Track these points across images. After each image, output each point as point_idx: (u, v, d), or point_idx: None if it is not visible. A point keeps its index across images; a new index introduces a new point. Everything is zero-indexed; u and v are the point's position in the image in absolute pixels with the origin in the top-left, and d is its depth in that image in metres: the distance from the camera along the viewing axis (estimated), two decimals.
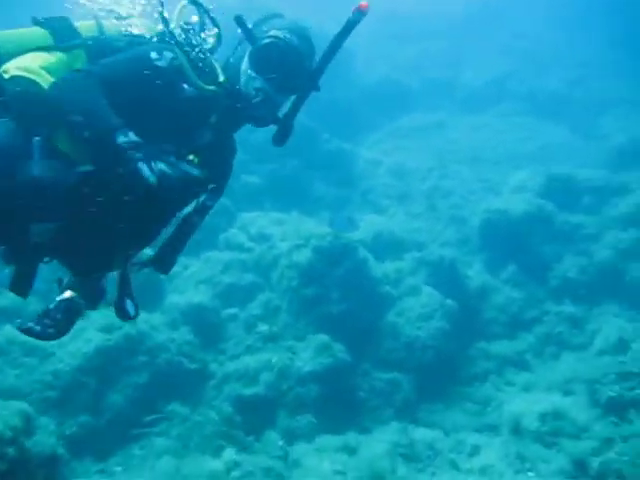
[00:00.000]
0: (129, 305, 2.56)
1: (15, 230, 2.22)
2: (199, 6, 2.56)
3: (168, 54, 2.33)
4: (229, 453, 6.70)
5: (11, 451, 5.53)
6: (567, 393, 7.71)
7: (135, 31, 2.55)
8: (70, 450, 6.65)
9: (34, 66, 2.26)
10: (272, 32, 2.45)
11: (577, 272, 10.44)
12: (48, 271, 2.59)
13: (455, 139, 16.60)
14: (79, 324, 2.66)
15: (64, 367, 7.39)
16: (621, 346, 8.44)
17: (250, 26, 2.51)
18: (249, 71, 2.45)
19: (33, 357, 7.58)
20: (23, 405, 6.19)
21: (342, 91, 16.54)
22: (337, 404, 7.77)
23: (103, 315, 8.37)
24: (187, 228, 2.64)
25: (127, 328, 8.00)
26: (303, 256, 8.83)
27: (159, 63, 2.29)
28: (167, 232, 2.64)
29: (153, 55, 2.30)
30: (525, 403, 7.56)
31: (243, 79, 2.46)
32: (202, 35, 2.52)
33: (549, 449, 6.85)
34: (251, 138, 11.22)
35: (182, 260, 10.26)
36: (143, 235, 2.50)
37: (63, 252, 2.40)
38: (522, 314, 10.00)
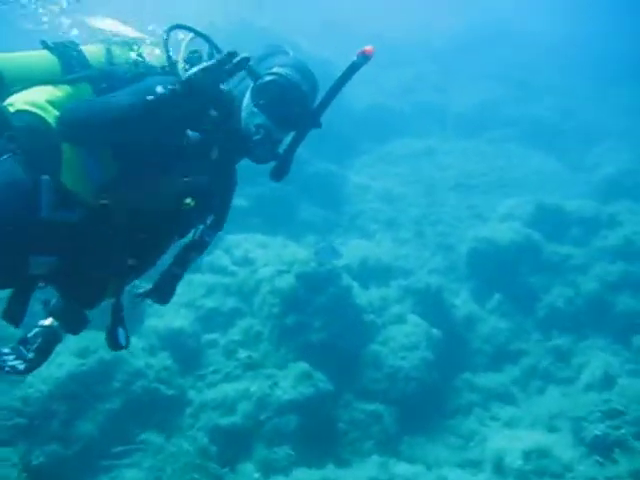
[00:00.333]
0: (121, 334, 2.56)
1: (15, 262, 2.21)
2: (206, 38, 2.54)
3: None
4: None
5: None
6: (552, 430, 7.57)
7: (145, 57, 2.54)
8: None
9: (40, 101, 2.26)
10: (275, 69, 2.45)
11: (564, 304, 10.34)
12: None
13: (444, 165, 16.55)
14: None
15: (34, 393, 7.13)
16: (607, 381, 8.32)
17: (251, 62, 2.46)
18: (251, 107, 2.43)
19: (2, 382, 7.32)
20: None
21: (331, 115, 16.44)
22: (316, 435, 7.55)
23: (79, 338, 8.18)
24: (185, 263, 2.66)
25: (102, 353, 7.78)
26: (285, 282, 8.66)
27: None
28: (164, 262, 2.64)
29: (159, 90, 2.23)
30: (509, 439, 7.40)
31: (244, 115, 2.45)
32: None
33: None
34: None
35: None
36: (139, 265, 2.50)
37: (59, 281, 2.41)
38: (508, 345, 9.86)
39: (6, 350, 2.39)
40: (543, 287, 10.79)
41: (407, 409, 8.19)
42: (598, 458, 6.72)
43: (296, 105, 2.44)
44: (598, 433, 6.94)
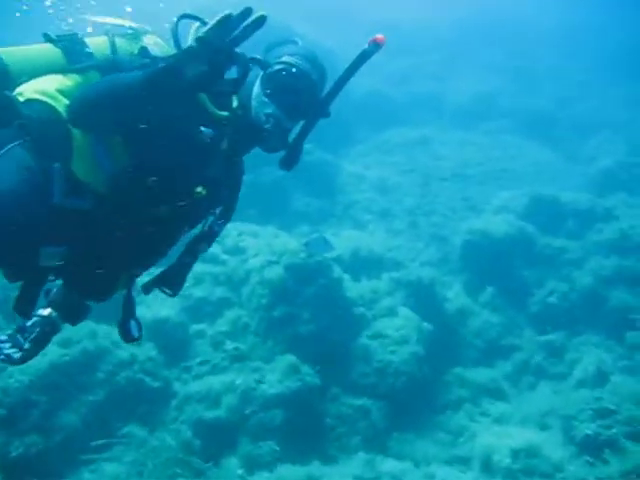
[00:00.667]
0: (133, 326, 2.59)
1: (25, 253, 2.19)
2: None
3: None
4: None
5: None
6: (542, 428, 7.47)
7: (150, 49, 2.49)
8: (14, 474, 6.25)
9: (50, 89, 2.25)
10: (284, 58, 2.43)
11: (558, 298, 10.21)
12: None
13: (440, 155, 16.36)
14: None
15: (14, 383, 6.96)
16: (599, 378, 8.21)
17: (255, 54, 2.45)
18: (260, 96, 2.41)
19: None
20: None
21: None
22: (302, 431, 7.41)
23: (63, 327, 8.01)
24: (195, 253, 2.64)
25: (85, 343, 7.63)
26: (274, 273, 8.49)
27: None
28: (174, 252, 2.64)
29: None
30: (498, 437, 7.28)
31: (254, 104, 2.42)
32: None
33: None
34: None
35: (153, 271, 9.85)
36: (150, 256, 2.50)
37: (69, 274, 2.41)
38: (500, 340, 9.74)
39: (3, 337, 2.40)
40: (537, 281, 10.66)
41: (396, 404, 8.05)
42: (588, 458, 6.61)
43: (305, 94, 2.43)
44: (589, 432, 6.82)
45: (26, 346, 2.41)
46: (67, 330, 7.46)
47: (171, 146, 2.25)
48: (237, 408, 7.41)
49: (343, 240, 11.20)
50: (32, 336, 2.43)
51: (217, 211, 2.63)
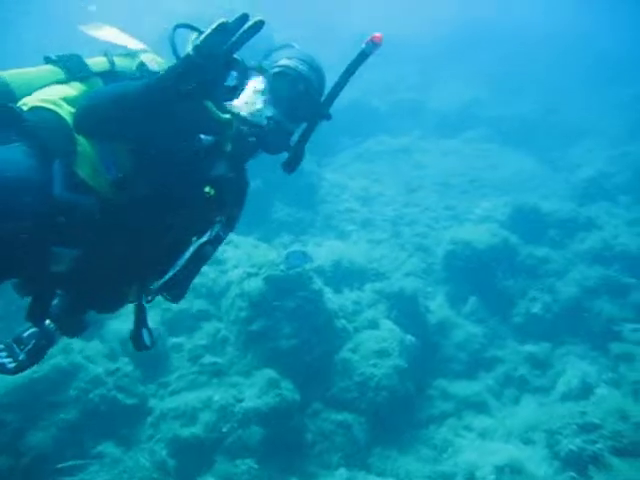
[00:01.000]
0: (145, 335, 2.63)
1: (33, 256, 2.16)
2: None
3: None
4: None
5: None
6: (526, 442, 7.29)
7: (149, 66, 2.55)
8: None
9: (54, 97, 2.28)
10: (282, 61, 2.49)
11: (541, 309, 10.10)
12: None
13: (423, 164, 16.28)
14: None
15: None
16: (584, 391, 8.11)
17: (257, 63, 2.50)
18: (260, 100, 2.43)
19: None
20: None
21: None
22: (282, 447, 7.22)
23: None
24: (200, 258, 2.60)
25: (59, 359, 7.39)
26: (253, 285, 8.29)
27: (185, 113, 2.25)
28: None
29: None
30: (482, 452, 7.12)
31: (254, 108, 2.43)
32: None
33: None
34: None
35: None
36: (160, 265, 2.50)
37: (79, 284, 2.39)
38: (483, 352, 9.60)
39: (0, 346, 2.43)
40: (520, 291, 10.56)
41: (378, 419, 7.87)
42: (573, 474, 6.46)
43: (305, 96, 2.47)
44: (573, 448, 6.68)
45: (21, 357, 2.41)
46: None
47: (173, 151, 2.28)
48: (214, 425, 7.20)
49: (325, 251, 11.05)
50: (27, 348, 2.44)
51: (223, 219, 2.65)
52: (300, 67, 2.48)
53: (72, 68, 2.44)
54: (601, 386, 8.15)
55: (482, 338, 9.75)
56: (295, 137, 2.58)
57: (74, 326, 2.63)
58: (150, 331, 2.68)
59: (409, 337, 8.85)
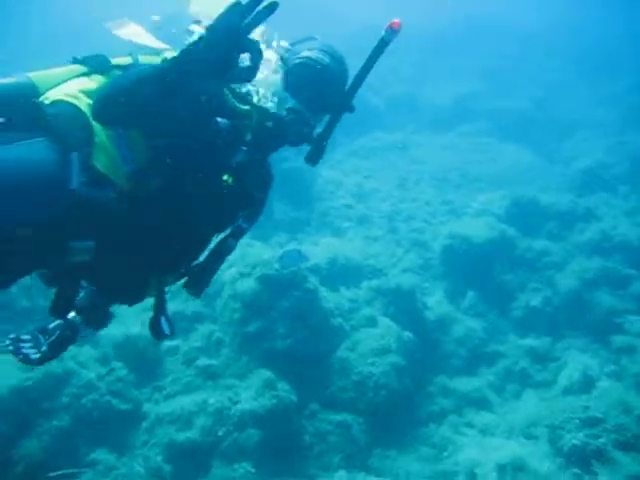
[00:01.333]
0: (164, 324, 2.58)
1: (52, 249, 2.15)
2: None
3: None
4: None
5: None
6: (528, 438, 7.16)
7: None
8: None
9: (73, 90, 2.29)
10: (304, 53, 2.50)
11: (541, 303, 9.96)
12: None
13: (418, 159, 16.14)
14: None
15: None
16: (586, 385, 7.96)
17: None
18: (281, 91, 2.44)
19: None
20: None
21: None
22: (279, 450, 7.08)
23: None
24: (223, 251, 2.62)
25: (50, 365, 7.25)
26: (247, 286, 8.15)
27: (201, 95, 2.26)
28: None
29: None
30: (483, 450, 6.98)
31: (275, 100, 2.44)
32: None
33: None
34: None
35: None
36: (180, 258, 2.49)
37: (101, 276, 2.38)
38: (484, 347, 9.45)
39: (25, 337, 2.45)
40: (519, 285, 10.43)
41: (377, 418, 7.73)
42: (577, 470, 6.32)
43: (326, 87, 2.48)
44: (576, 443, 6.55)
45: (44, 348, 2.41)
46: None
47: (190, 138, 2.25)
48: (210, 429, 7.07)
49: (321, 249, 10.91)
50: (51, 339, 2.43)
51: (246, 213, 2.62)
52: (321, 58, 2.47)
53: (97, 66, 2.44)
54: (603, 379, 8.01)
55: (482, 333, 9.61)
56: (318, 129, 2.56)
57: (99, 317, 2.61)
58: (169, 320, 2.64)
59: (407, 334, 8.72)
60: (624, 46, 23.81)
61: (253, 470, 6.73)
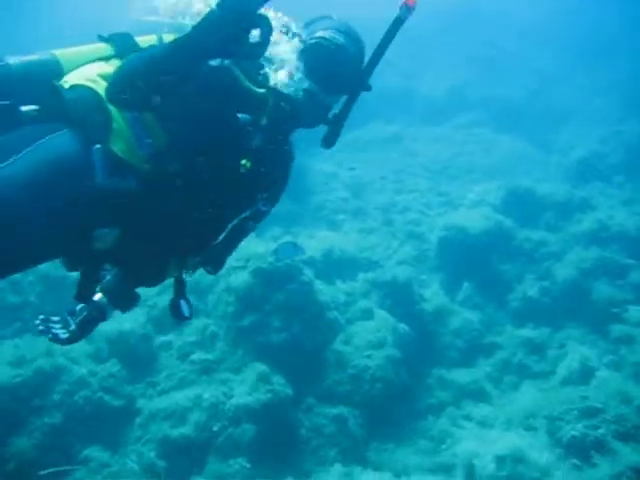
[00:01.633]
0: (184, 305, 2.63)
1: (78, 236, 2.21)
2: None
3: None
4: None
5: None
6: (527, 430, 7.06)
7: None
8: None
9: (92, 74, 2.30)
10: (319, 33, 2.45)
11: (538, 293, 9.88)
12: None
13: (413, 151, 16.04)
14: None
15: None
16: (584, 375, 7.87)
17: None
18: (297, 73, 2.41)
19: None
20: None
21: None
22: (275, 445, 6.98)
23: (14, 346, 7.53)
24: (241, 232, 2.64)
25: (40, 362, 7.15)
26: (241, 279, 8.04)
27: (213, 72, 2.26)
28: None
29: (212, 63, 2.25)
30: (482, 442, 6.87)
31: (291, 81, 2.41)
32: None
33: None
34: None
35: None
36: (200, 240, 2.50)
37: (124, 260, 2.40)
38: (481, 339, 9.37)
39: (55, 318, 2.44)
40: (516, 276, 10.35)
41: (374, 412, 7.64)
42: (576, 461, 6.23)
43: (342, 67, 2.44)
44: (575, 433, 6.46)
45: (72, 327, 2.41)
46: (20, 348, 7.00)
47: (206, 122, 2.25)
48: (205, 424, 6.97)
49: (316, 242, 10.81)
50: (79, 319, 2.43)
51: (265, 196, 2.60)
52: (336, 38, 2.43)
53: (121, 45, 2.45)
54: (602, 369, 7.93)
55: (479, 324, 9.51)
56: (335, 110, 2.53)
57: (126, 300, 2.58)
58: (189, 303, 2.67)
59: (403, 326, 8.63)
60: (619, 35, 23.69)
61: (248, 465, 6.64)
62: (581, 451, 6.32)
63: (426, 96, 19.75)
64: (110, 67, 2.34)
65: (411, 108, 19.18)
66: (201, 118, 2.25)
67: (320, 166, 14.37)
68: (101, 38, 2.51)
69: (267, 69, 2.43)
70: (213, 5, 2.05)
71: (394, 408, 7.83)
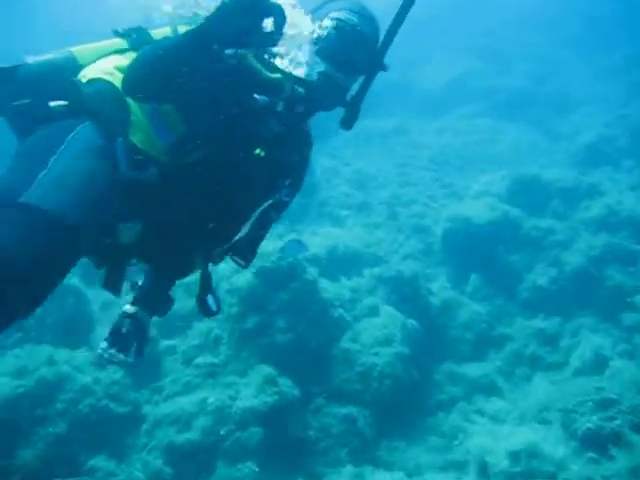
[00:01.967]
0: (211, 300, 2.66)
1: (103, 231, 2.21)
2: None
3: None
4: None
5: None
6: (541, 423, 6.91)
7: None
8: None
9: (108, 67, 2.31)
10: (332, 14, 2.43)
11: (548, 282, 9.69)
12: None
13: (417, 144, 15.84)
14: None
15: None
16: (598, 365, 7.73)
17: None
18: (312, 55, 2.36)
19: None
20: None
21: None
22: (284, 447, 6.85)
23: (15, 356, 7.43)
24: (265, 222, 2.62)
25: (43, 371, 7.04)
26: (243, 280, 7.89)
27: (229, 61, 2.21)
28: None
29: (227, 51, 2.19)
30: (495, 437, 6.74)
31: (306, 64, 2.36)
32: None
33: None
34: None
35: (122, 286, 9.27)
36: (222, 231, 2.50)
37: (149, 253, 2.44)
38: (491, 331, 9.19)
39: (105, 345, 2.51)
40: (525, 266, 10.15)
41: (384, 410, 7.49)
42: (592, 454, 6.07)
43: (357, 48, 2.41)
44: (591, 426, 6.29)
45: (134, 347, 2.53)
46: (22, 358, 6.88)
47: (222, 111, 2.25)
48: (211, 429, 6.83)
49: (320, 238, 10.67)
50: (132, 338, 2.53)
51: (286, 183, 2.59)
52: (350, 18, 2.41)
53: (136, 39, 2.45)
54: (615, 358, 7.76)
55: (488, 316, 9.34)
56: (352, 91, 2.51)
57: (160, 306, 2.70)
58: (216, 297, 2.69)
59: (411, 322, 8.46)
60: (620, 17, 23.39)
61: (257, 469, 6.50)
62: (597, 444, 6.16)
63: (428, 87, 19.55)
64: (126, 59, 2.34)
65: (412, 100, 18.98)
66: (218, 105, 2.25)
67: (323, 161, 14.20)
68: (116, 33, 2.52)
69: (281, 53, 2.39)
70: None
71: (404, 405, 7.68)
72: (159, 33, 2.49)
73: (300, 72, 2.36)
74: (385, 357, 7.75)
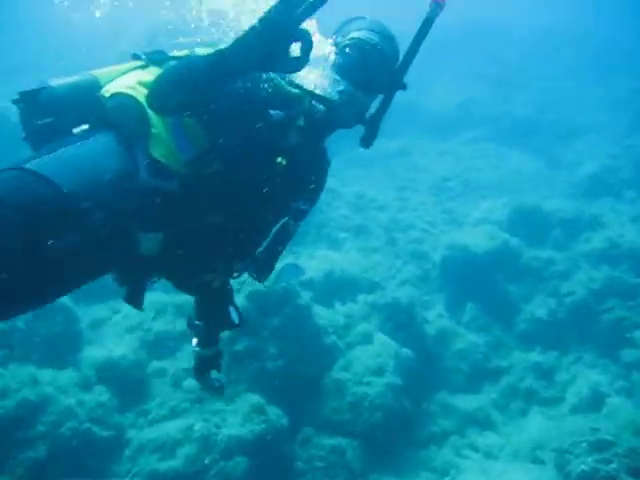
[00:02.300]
0: (233, 313, 2.75)
1: (124, 243, 2.22)
2: None
3: None
4: None
5: None
6: (534, 462, 6.73)
7: None
8: None
9: (131, 82, 2.35)
10: (353, 34, 2.47)
11: (546, 315, 9.52)
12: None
13: (418, 167, 15.75)
14: None
15: None
16: (594, 402, 7.55)
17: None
18: (332, 75, 2.42)
19: None
20: None
21: None
22: (269, 478, 6.66)
23: None
24: (285, 234, 2.66)
25: (25, 392, 6.86)
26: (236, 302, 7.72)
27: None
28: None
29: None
30: (487, 476, 6.58)
31: (326, 83, 2.42)
32: None
33: None
34: None
35: (112, 304, 9.15)
36: (245, 246, 2.52)
37: (170, 267, 2.45)
38: (486, 363, 9.02)
39: (205, 381, 2.93)
40: (523, 297, 10.00)
41: (374, 441, 7.30)
42: None
43: (377, 67, 2.45)
44: (585, 468, 6.11)
45: (222, 378, 3.02)
46: (5, 378, 6.70)
47: (243, 125, 2.28)
48: (196, 457, 6.64)
49: (317, 262, 10.52)
50: (217, 368, 3.01)
51: (305, 196, 2.64)
52: (369, 38, 2.44)
53: (157, 59, 2.49)
54: (612, 396, 7.59)
55: (484, 347, 9.18)
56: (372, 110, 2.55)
57: (213, 339, 2.96)
58: (238, 309, 2.75)
59: (405, 350, 8.29)
60: (628, 48, 23.42)
61: None
62: None
63: (433, 111, 19.48)
64: (149, 75, 2.38)
65: (418, 123, 18.90)
66: (240, 119, 2.28)
67: None
68: (135, 56, 2.56)
69: (302, 72, 2.36)
70: (255, 21, 2.04)
71: (394, 437, 7.49)
72: (178, 54, 2.54)
73: (321, 90, 2.39)
74: (377, 387, 7.57)
